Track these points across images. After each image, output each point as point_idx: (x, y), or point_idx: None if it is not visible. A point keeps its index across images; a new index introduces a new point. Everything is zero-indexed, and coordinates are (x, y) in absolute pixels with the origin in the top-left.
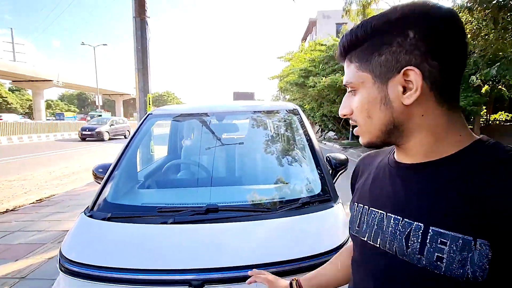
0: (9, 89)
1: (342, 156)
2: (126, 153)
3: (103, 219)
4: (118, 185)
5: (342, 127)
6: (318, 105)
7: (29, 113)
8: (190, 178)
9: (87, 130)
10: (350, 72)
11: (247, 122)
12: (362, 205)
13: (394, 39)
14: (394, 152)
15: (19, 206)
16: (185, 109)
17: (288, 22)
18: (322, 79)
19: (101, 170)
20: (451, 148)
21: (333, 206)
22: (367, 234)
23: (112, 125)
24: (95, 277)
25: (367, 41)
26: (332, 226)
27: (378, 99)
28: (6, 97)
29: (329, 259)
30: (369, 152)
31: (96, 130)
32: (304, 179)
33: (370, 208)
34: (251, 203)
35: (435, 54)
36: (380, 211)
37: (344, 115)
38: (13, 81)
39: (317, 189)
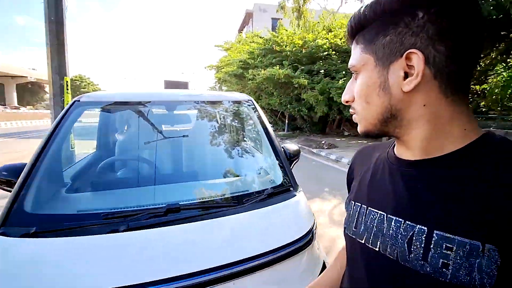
0: None
1: (295, 147)
2: (47, 149)
3: (23, 236)
4: (40, 191)
5: (279, 119)
6: (257, 98)
7: None
8: (132, 177)
9: None
10: (355, 54)
11: (193, 113)
12: (359, 204)
13: (402, 20)
14: (394, 145)
15: None
16: (120, 96)
17: (224, 11)
18: (260, 71)
19: (5, 173)
20: (455, 144)
21: (295, 195)
22: (365, 237)
23: None
24: None
25: (375, 21)
26: (297, 214)
27: (377, 84)
28: None
29: (298, 247)
30: (367, 144)
31: None
32: (264, 170)
33: (369, 208)
34: (214, 199)
35: (443, 38)
36: (379, 211)
37: (346, 102)
38: None
39: (279, 179)
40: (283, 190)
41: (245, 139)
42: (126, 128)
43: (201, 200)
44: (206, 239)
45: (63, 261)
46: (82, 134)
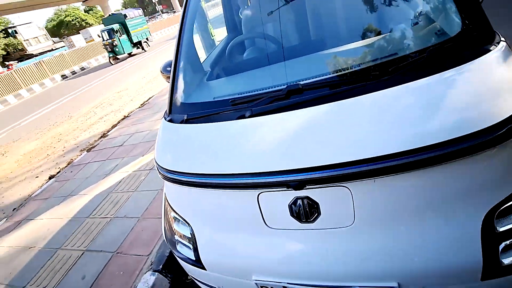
0: (84, 11)
1: None
2: (181, 43)
3: (181, 122)
4: (186, 81)
5: None
6: None
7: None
8: (258, 56)
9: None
10: None
11: None
12: None
13: None
14: None
15: (130, 112)
16: None
17: None
18: None
19: (168, 68)
20: None
21: (490, 50)
22: None
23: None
24: (184, 182)
25: None
26: (486, 87)
27: None
28: (85, 19)
29: (481, 143)
30: None
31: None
32: (429, 12)
33: None
34: (345, 72)
35: None
36: None
37: None
38: (83, 1)
39: (455, 27)
40: (463, 44)
41: None
42: (246, 2)
43: (329, 75)
44: (339, 125)
45: (208, 142)
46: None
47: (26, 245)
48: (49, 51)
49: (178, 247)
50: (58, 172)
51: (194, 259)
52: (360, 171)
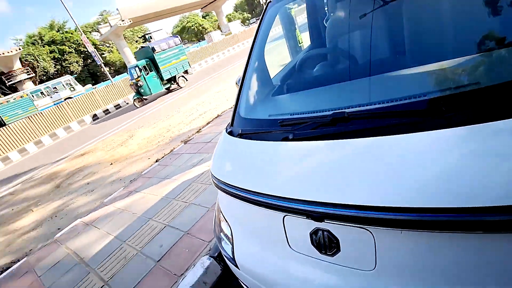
0: (202, 16)
1: None
2: (251, 57)
3: (237, 136)
4: (249, 95)
5: None
6: None
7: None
8: (324, 73)
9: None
10: None
11: None
12: None
13: None
14: None
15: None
16: None
17: None
18: None
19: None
20: None
21: None
22: None
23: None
24: (230, 193)
25: None
26: None
27: None
28: (202, 24)
29: None
30: None
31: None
32: None
33: None
34: (407, 102)
35: None
36: None
37: None
38: (201, 8)
39: None
40: None
41: None
42: (334, 8)
43: (380, 106)
44: (376, 163)
45: (252, 159)
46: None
47: (131, 211)
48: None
49: (222, 243)
50: (162, 157)
51: (231, 256)
52: (384, 218)
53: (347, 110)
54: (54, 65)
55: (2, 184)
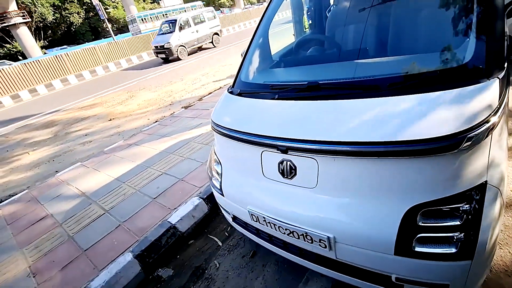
0: None
1: None
2: (256, 34)
3: (236, 95)
4: (250, 65)
5: None
6: None
7: None
8: (313, 55)
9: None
10: None
11: None
12: None
13: None
14: None
15: None
16: None
17: None
18: None
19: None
20: None
21: (480, 83)
22: None
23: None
24: (223, 134)
25: None
26: (463, 107)
27: None
28: None
29: (441, 147)
30: None
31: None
32: (453, 43)
33: None
34: (358, 80)
35: None
36: None
37: None
38: None
39: (464, 57)
40: (462, 74)
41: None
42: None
43: (344, 80)
44: (328, 116)
45: (245, 110)
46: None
47: (131, 160)
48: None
49: (213, 179)
50: (162, 118)
51: (219, 188)
52: (324, 149)
53: (320, 82)
54: (53, 12)
55: None
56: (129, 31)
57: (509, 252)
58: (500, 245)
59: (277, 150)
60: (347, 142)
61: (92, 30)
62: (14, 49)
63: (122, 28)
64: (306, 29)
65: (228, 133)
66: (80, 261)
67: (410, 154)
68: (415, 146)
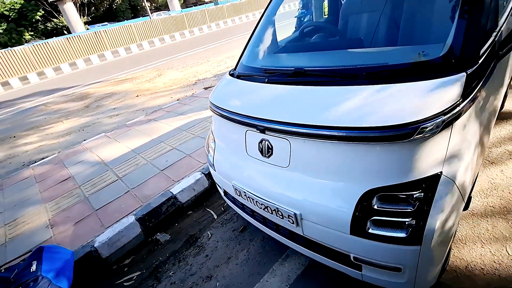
0: None
1: None
2: (261, 21)
3: (236, 77)
4: (254, 50)
5: None
6: None
7: None
8: (313, 43)
9: None
10: None
11: None
12: None
13: None
14: None
15: None
16: None
17: None
18: None
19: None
20: None
21: (447, 76)
22: None
23: None
24: (217, 113)
25: None
26: (426, 98)
27: None
28: None
29: (396, 135)
30: None
31: None
32: (435, 37)
33: None
34: (338, 68)
35: None
36: None
37: None
38: None
39: (441, 50)
40: (434, 67)
41: None
42: None
43: (328, 68)
44: (309, 100)
45: (242, 93)
46: None
47: (148, 134)
48: None
49: (209, 155)
50: (183, 97)
51: (212, 162)
52: (294, 131)
53: (305, 68)
54: None
55: (40, 95)
56: (167, 10)
57: (490, 251)
58: (482, 243)
59: (257, 129)
60: (314, 125)
61: (132, 8)
62: (60, 24)
63: (159, 7)
64: (325, 16)
65: (221, 112)
66: (90, 219)
67: (369, 140)
68: (372, 132)
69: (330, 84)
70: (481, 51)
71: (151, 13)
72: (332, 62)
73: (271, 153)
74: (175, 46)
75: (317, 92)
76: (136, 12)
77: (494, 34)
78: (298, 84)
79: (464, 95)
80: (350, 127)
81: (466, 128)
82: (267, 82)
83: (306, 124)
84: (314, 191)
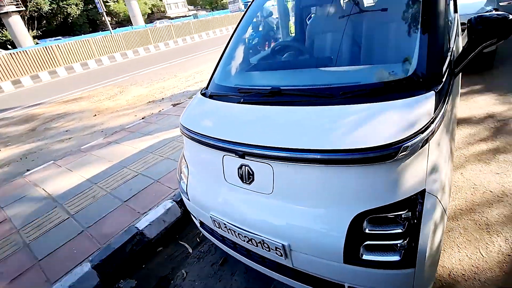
0: None
1: (500, 14)
2: (233, 37)
3: (208, 97)
4: (225, 67)
5: None
6: None
7: None
8: (287, 61)
9: None
10: None
11: None
12: None
13: None
14: None
15: None
16: None
17: None
18: None
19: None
20: None
21: (419, 95)
22: None
23: None
24: (190, 137)
25: None
26: (400, 118)
27: None
28: None
29: (374, 156)
30: None
31: None
32: (398, 58)
33: None
34: (314, 87)
35: None
36: None
37: None
38: None
39: (407, 71)
40: (406, 86)
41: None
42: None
43: (304, 87)
44: (287, 122)
45: (216, 115)
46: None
47: (107, 159)
48: (183, 17)
49: (181, 182)
50: (148, 115)
51: (185, 190)
52: (277, 155)
53: (281, 87)
54: (49, 2)
55: None
56: (130, 25)
57: (467, 255)
58: (458, 248)
59: (236, 154)
60: (298, 149)
61: (90, 22)
62: (4, 38)
63: (122, 21)
64: (292, 34)
65: (194, 136)
66: (32, 273)
67: (353, 162)
68: (356, 154)
69: (307, 104)
70: (443, 70)
71: (113, 28)
72: (306, 81)
73: (252, 179)
74: (139, 61)
75: (296, 113)
76: (95, 26)
77: (449, 53)
78: (274, 104)
79: (435, 111)
80: (335, 149)
81: (440, 142)
82: (242, 102)
83: (289, 148)
84: (301, 219)
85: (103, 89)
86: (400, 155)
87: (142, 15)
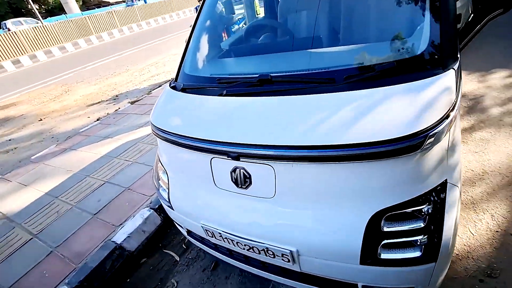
0: None
1: None
2: (199, 19)
3: (180, 90)
4: (195, 55)
5: None
6: None
7: None
8: (270, 43)
9: None
10: None
11: None
12: None
13: None
14: None
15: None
16: None
17: None
18: None
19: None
20: None
21: (437, 74)
22: None
23: None
24: (166, 139)
25: None
26: (423, 102)
27: None
28: None
29: (397, 148)
30: None
31: None
32: (407, 32)
33: None
34: (312, 72)
35: None
36: None
37: None
38: None
39: (420, 46)
40: (419, 65)
41: None
42: None
43: (299, 72)
44: (284, 116)
45: (194, 111)
46: None
47: (65, 168)
48: (124, 1)
49: (160, 190)
50: (104, 116)
51: (167, 200)
52: (280, 155)
53: (272, 74)
54: None
55: None
56: (63, 13)
57: (458, 235)
58: None
59: (228, 157)
60: (304, 146)
61: (14, 12)
62: None
63: (52, 9)
64: (259, 14)
65: (170, 137)
66: None
67: (372, 157)
68: (376, 148)
69: (304, 92)
70: (457, 44)
71: (43, 17)
72: (299, 65)
73: (249, 183)
74: (81, 55)
75: (295, 104)
76: (21, 16)
77: (458, 25)
78: (265, 95)
79: (456, 92)
80: (350, 144)
81: (456, 127)
82: (225, 95)
83: (294, 146)
84: (312, 223)
85: (44, 90)
86: (426, 144)
87: (76, 1)
